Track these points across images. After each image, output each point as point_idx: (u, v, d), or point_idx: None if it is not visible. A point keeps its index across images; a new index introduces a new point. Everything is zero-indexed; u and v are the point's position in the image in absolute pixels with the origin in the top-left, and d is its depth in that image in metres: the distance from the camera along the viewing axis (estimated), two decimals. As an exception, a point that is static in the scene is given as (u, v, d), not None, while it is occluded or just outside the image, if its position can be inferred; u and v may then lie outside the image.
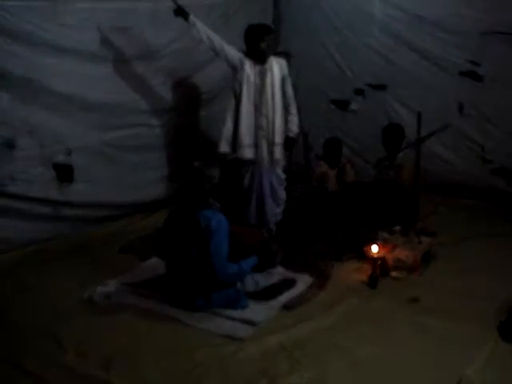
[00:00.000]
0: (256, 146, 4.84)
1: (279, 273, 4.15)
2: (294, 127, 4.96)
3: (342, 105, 6.59)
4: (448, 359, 3.24)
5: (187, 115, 5.88)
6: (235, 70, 4.78)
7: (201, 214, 3.73)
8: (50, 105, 4.69)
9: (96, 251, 4.79)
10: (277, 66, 4.82)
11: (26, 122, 4.57)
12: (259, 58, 4.76)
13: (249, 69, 4.74)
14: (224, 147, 4.87)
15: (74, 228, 5.03)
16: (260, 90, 4.77)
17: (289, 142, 4.99)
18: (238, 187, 5.00)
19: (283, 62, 4.87)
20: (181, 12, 4.64)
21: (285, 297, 3.94)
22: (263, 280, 3.98)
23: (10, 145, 4.51)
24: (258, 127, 4.82)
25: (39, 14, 4.49)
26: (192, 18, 4.64)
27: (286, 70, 4.85)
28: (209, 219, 3.68)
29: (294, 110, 4.94)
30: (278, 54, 4.91)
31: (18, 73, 4.45)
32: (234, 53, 4.75)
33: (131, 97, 5.28)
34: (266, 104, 4.79)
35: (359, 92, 6.46)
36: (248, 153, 4.85)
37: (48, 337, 3.48)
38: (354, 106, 6.53)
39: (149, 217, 5.51)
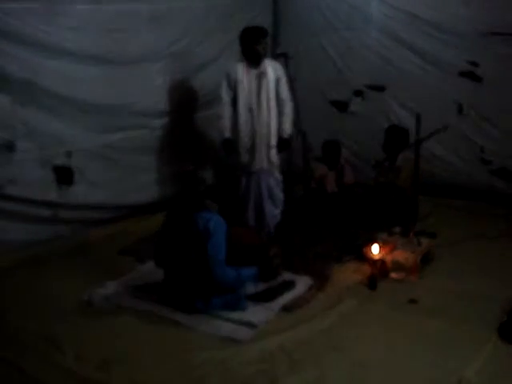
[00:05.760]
0: (253, 150, 4.84)
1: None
2: (287, 127, 4.93)
3: (341, 106, 6.58)
4: (447, 360, 3.24)
5: (185, 117, 5.87)
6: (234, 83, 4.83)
7: (198, 216, 3.73)
8: (50, 107, 4.69)
9: (95, 253, 4.79)
10: (271, 69, 4.82)
11: (26, 124, 4.56)
12: (254, 60, 4.76)
13: (241, 75, 4.76)
14: (228, 133, 4.90)
15: (73, 230, 5.02)
16: (256, 93, 4.78)
17: (282, 143, 4.95)
18: (235, 190, 4.99)
19: (277, 64, 4.87)
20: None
21: (284, 298, 3.94)
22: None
23: (10, 147, 4.51)
24: (254, 132, 4.82)
25: (39, 16, 4.48)
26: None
27: (280, 72, 4.84)
28: (206, 221, 3.68)
29: (287, 110, 4.91)
30: (276, 55, 4.90)
31: (18, 75, 4.43)
32: (224, 84, 4.84)
33: (130, 99, 5.27)
34: (261, 107, 4.80)
35: (358, 93, 6.46)
36: (245, 157, 4.86)
37: (47, 339, 3.48)
38: (353, 108, 6.52)
39: (148, 219, 5.48)
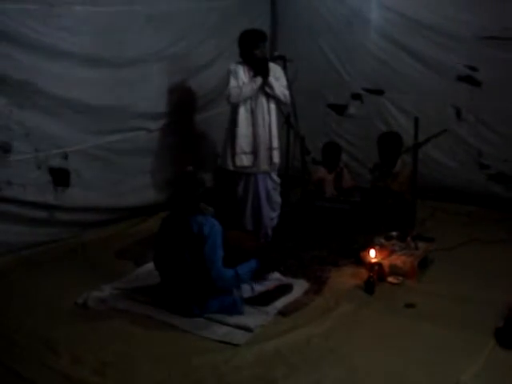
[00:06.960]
0: (254, 152, 4.83)
1: (275, 278, 4.13)
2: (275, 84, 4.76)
3: (340, 109, 6.58)
4: (444, 365, 3.23)
5: (184, 119, 5.86)
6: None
7: (193, 219, 3.72)
8: (47, 108, 4.67)
9: (92, 256, 4.77)
10: (270, 71, 4.80)
11: (22, 126, 4.54)
12: (253, 63, 4.74)
13: (243, 76, 4.74)
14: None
15: (69, 232, 5.00)
16: (255, 95, 4.76)
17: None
18: (232, 194, 4.97)
19: (276, 66, 4.84)
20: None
21: (281, 302, 3.92)
22: (259, 285, 3.96)
23: (6, 148, 4.49)
24: (255, 134, 4.81)
25: (36, 17, 4.46)
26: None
27: (278, 74, 4.79)
28: (201, 224, 3.67)
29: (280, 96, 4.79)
30: (274, 57, 4.88)
31: (15, 76, 4.41)
32: (232, 80, 4.71)
33: (127, 100, 5.25)
34: (261, 109, 4.78)
35: (356, 96, 6.46)
36: (246, 160, 4.83)
37: (42, 341, 3.45)
38: (351, 111, 6.53)
39: (145, 221, 5.48)
